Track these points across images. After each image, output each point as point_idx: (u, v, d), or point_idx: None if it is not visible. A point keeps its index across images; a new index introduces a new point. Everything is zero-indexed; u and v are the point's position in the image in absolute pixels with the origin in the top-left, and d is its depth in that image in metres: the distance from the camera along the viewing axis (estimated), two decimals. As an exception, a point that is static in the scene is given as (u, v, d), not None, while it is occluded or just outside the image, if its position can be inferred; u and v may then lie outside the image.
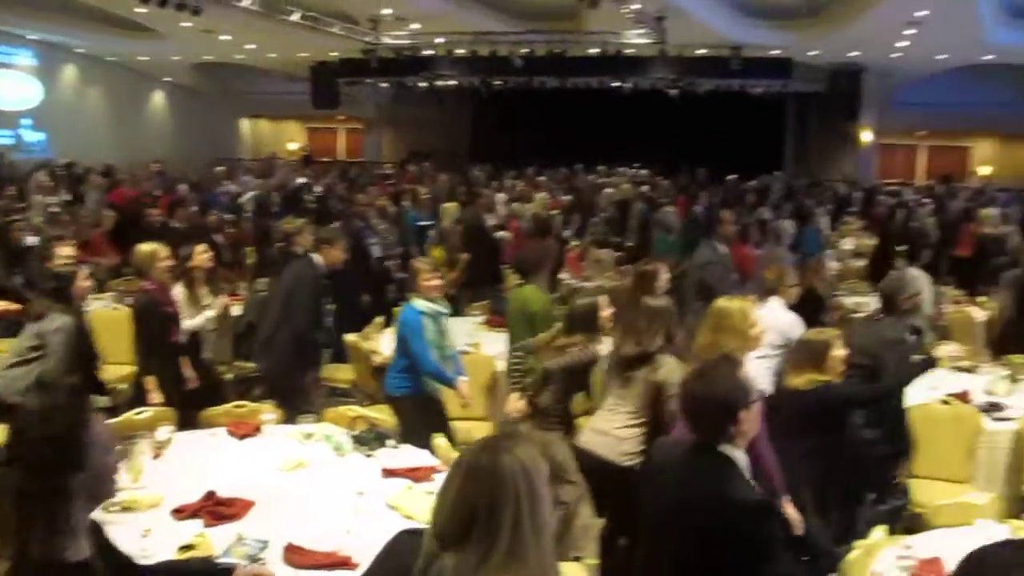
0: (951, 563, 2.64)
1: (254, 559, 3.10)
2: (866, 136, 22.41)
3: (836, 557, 3.38)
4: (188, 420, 4.71)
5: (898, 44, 16.70)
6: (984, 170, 22.91)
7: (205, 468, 4.00)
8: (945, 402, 5.12)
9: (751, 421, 2.53)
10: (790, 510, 3.56)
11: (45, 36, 18.79)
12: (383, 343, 6.40)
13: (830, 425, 4.03)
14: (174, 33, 17.03)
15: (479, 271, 8.64)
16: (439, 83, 20.09)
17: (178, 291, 5.77)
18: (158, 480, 3.82)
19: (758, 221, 9.40)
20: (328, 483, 3.92)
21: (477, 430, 5.44)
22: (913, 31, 15.30)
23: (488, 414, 5.86)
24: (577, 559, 4.16)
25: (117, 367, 6.21)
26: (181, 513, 3.51)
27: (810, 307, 5.67)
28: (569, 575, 3.40)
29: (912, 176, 23.37)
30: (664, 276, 5.43)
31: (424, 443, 4.37)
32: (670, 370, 4.05)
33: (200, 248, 5.99)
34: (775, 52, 18.54)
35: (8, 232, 8.47)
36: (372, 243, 8.78)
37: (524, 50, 16.99)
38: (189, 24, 15.09)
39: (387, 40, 17.48)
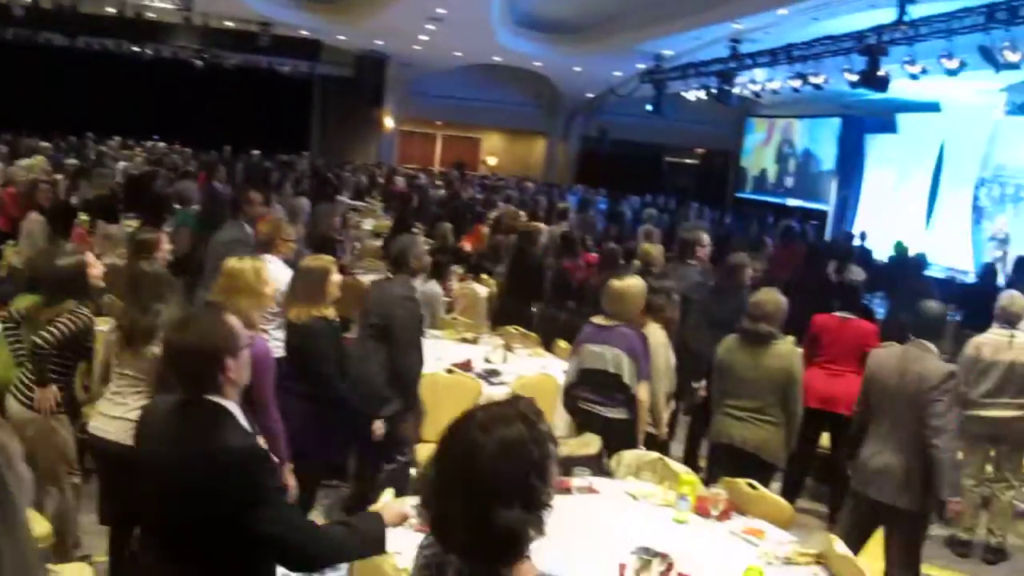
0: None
1: None
2: (389, 122, 23.63)
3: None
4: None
5: (420, 37, 17.79)
6: (492, 160, 25.57)
7: None
8: (450, 371, 5.50)
9: (240, 369, 2.45)
10: (290, 480, 3.56)
11: None
12: None
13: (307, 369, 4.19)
14: None
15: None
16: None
17: None
18: None
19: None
20: None
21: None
22: (433, 27, 16.40)
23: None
24: (85, 558, 3.86)
25: None
26: None
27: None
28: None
29: (431, 162, 25.19)
30: (166, 246, 5.07)
31: None
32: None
33: None
34: (304, 33, 18.67)
35: None
36: None
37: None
38: None
39: None
